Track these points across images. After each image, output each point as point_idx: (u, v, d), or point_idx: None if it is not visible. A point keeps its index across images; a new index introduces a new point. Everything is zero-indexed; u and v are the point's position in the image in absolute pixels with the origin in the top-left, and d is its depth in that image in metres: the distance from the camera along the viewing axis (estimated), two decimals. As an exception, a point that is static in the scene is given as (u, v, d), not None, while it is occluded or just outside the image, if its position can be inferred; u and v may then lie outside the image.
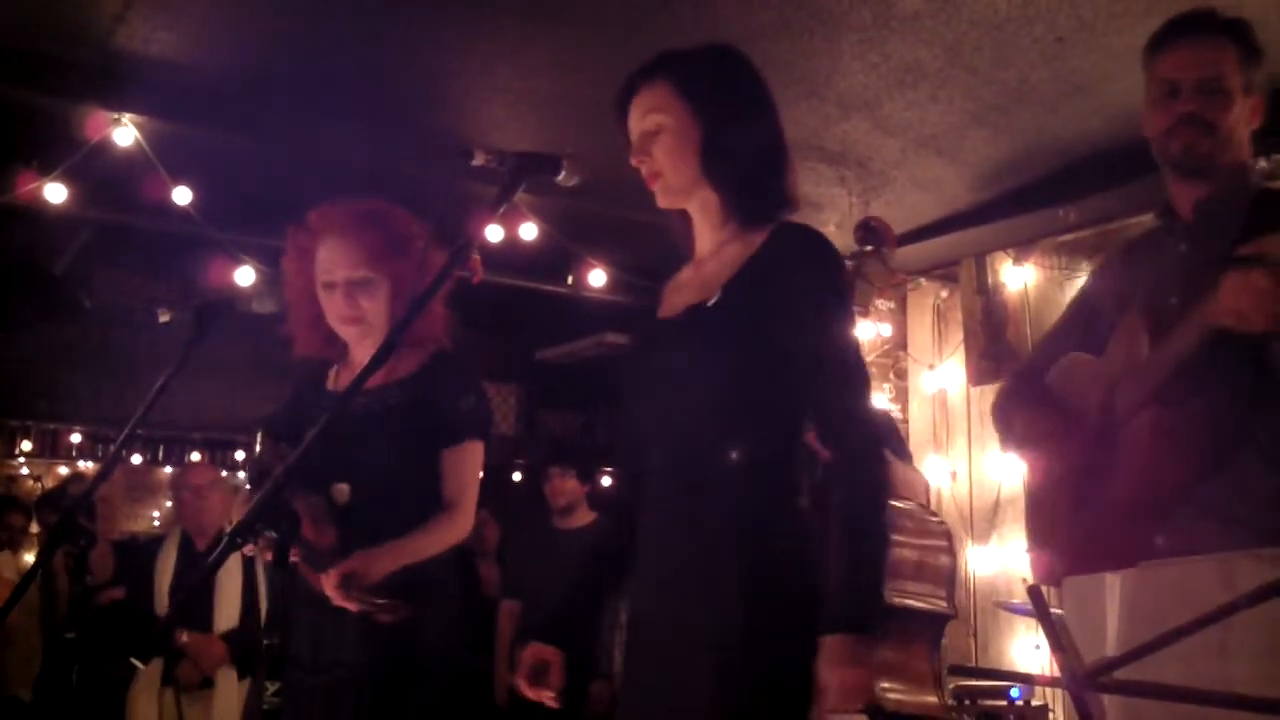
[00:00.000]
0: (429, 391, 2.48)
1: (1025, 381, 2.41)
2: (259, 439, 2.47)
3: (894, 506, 3.15)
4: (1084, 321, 2.37)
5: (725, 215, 1.96)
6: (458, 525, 2.45)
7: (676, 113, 1.92)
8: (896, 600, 3.01)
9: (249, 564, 4.41)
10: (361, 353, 2.55)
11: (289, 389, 2.72)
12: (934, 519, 3.27)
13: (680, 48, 1.98)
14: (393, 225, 2.53)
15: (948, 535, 3.25)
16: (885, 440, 3.28)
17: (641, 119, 1.95)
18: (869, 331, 5.89)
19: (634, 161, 1.96)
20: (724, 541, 1.79)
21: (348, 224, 2.50)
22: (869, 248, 3.35)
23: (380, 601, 2.25)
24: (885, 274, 3.36)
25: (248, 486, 4.95)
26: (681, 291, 2.00)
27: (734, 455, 1.80)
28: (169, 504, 7.45)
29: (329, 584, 2.24)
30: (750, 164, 1.93)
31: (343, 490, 2.38)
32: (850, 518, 1.74)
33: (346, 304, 2.48)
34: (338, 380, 2.62)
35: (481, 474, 2.53)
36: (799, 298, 1.83)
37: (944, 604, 3.16)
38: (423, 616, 2.37)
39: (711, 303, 1.86)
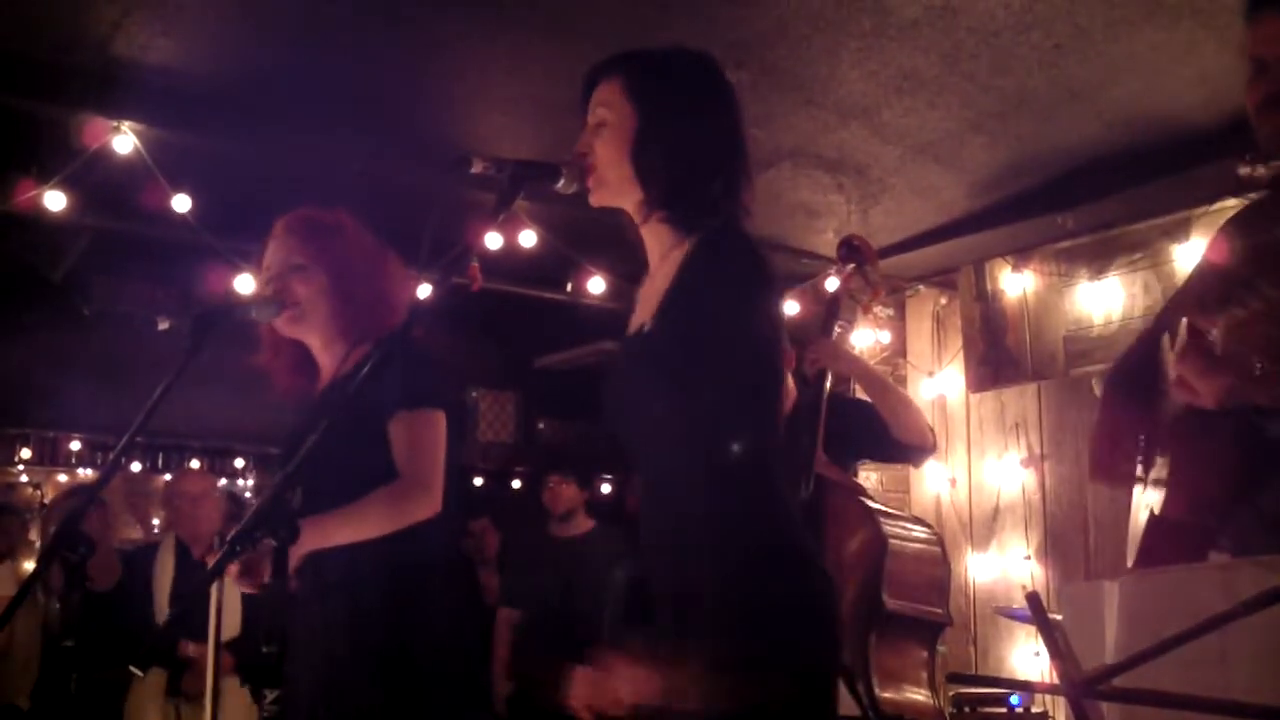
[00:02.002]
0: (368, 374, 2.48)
1: (1119, 384, 2.19)
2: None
3: (883, 512, 3.16)
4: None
5: (661, 221, 1.92)
6: (410, 495, 2.37)
7: (621, 108, 1.90)
8: (892, 607, 3.03)
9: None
10: (308, 344, 2.62)
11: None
12: (923, 527, 3.30)
13: (645, 47, 1.97)
14: (319, 218, 2.66)
15: (940, 543, 3.29)
16: (869, 426, 3.32)
17: (591, 112, 1.95)
18: (868, 338, 5.90)
19: (577, 151, 1.93)
20: (696, 555, 1.77)
21: (282, 229, 2.65)
22: (851, 266, 3.44)
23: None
24: (869, 290, 3.52)
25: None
26: (641, 305, 1.98)
27: (692, 471, 1.78)
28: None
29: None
30: (681, 168, 1.88)
31: (295, 494, 2.39)
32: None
33: (280, 289, 2.56)
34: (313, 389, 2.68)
35: (440, 444, 2.45)
36: (704, 311, 1.80)
37: (939, 611, 3.18)
38: (412, 625, 2.37)
39: (647, 329, 1.86)
